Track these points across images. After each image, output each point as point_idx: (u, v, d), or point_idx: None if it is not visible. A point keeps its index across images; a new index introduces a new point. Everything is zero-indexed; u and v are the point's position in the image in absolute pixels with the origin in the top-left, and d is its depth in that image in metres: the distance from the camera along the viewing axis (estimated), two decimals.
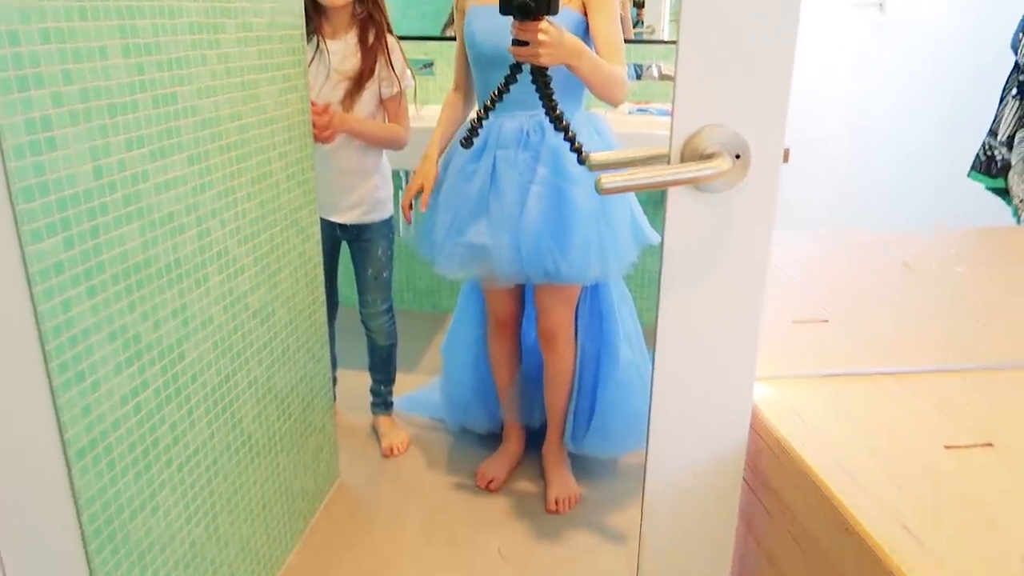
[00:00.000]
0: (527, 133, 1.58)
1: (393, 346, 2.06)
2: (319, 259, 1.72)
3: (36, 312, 0.89)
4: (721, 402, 0.76)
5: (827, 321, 1.00)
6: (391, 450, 2.01)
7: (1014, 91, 2.40)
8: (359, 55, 1.79)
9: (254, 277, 1.41)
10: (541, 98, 1.32)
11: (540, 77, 1.31)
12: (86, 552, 1.01)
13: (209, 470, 1.28)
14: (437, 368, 2.38)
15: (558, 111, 1.32)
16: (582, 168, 1.57)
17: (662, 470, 0.78)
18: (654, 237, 1.74)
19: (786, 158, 0.69)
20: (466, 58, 1.69)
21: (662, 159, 0.71)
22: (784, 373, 0.85)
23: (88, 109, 0.96)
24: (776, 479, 0.75)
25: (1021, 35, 2.32)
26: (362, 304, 2.00)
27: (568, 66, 1.43)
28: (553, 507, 1.79)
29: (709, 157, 0.66)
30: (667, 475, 0.78)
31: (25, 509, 0.91)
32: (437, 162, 1.72)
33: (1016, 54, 2.36)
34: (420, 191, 1.70)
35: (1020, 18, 2.28)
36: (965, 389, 0.83)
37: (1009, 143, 2.45)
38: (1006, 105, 2.44)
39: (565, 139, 1.34)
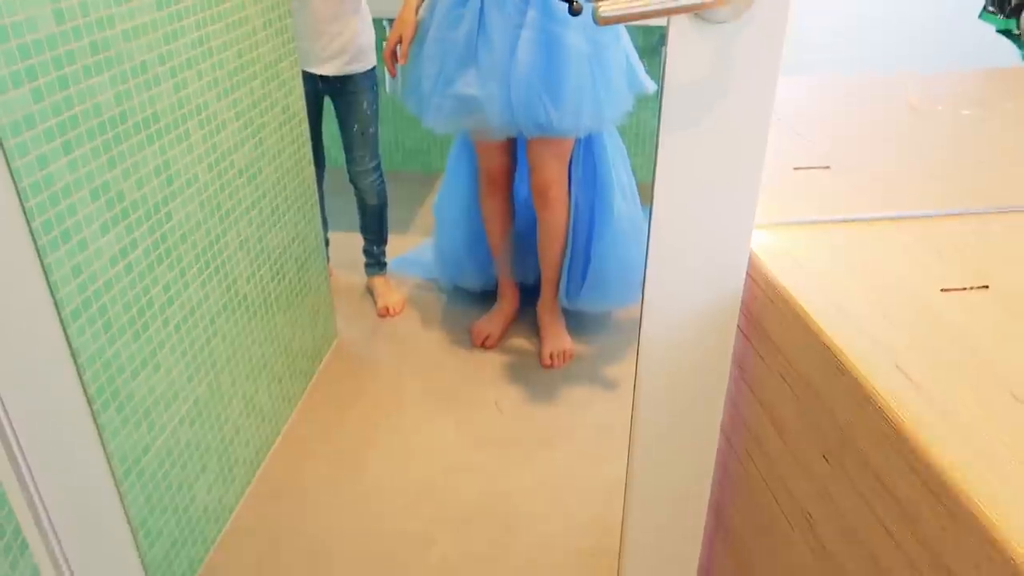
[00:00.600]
0: None
1: (383, 205, 2.04)
2: (303, 115, 1.66)
3: (11, 168, 0.85)
4: (719, 247, 0.75)
5: (828, 167, 0.98)
6: (387, 310, 2.03)
7: None
8: None
9: (237, 133, 1.36)
10: None
11: None
12: (91, 410, 1.02)
13: (207, 330, 1.28)
14: (429, 229, 2.37)
15: None
16: None
17: (658, 314, 0.78)
18: (650, 85, 1.67)
19: None
20: None
21: None
22: (783, 220, 0.83)
23: None
24: (771, 324, 0.75)
25: None
26: (349, 162, 1.95)
27: None
28: (548, 362, 1.83)
29: None
30: (663, 319, 0.78)
31: (26, 370, 0.91)
32: (417, 9, 1.62)
33: None
34: (400, 42, 1.61)
35: None
36: (964, 233, 0.81)
37: None
38: None
39: None
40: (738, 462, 0.87)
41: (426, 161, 2.86)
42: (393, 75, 1.67)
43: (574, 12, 1.30)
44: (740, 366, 0.82)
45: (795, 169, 0.97)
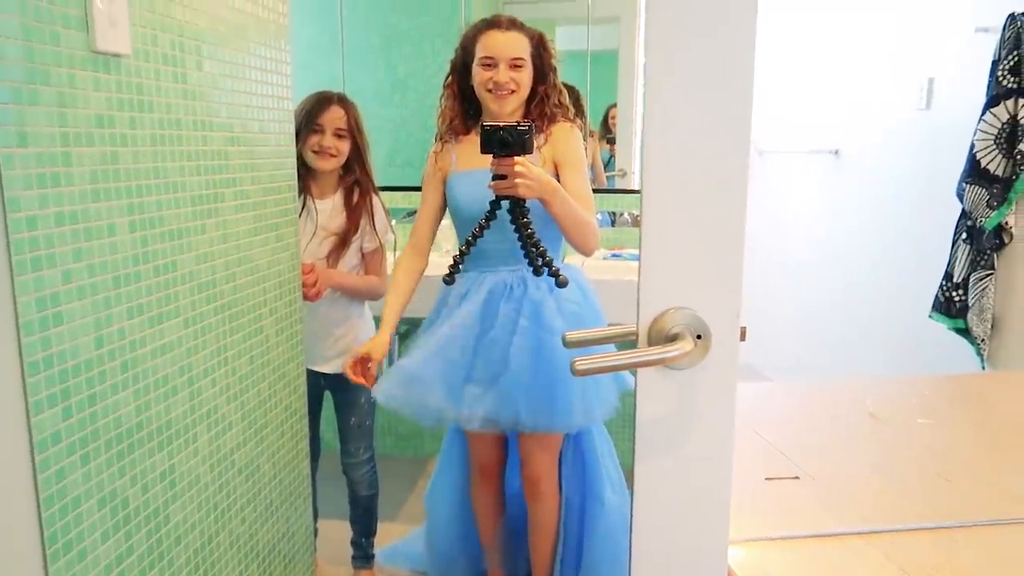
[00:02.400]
0: (510, 287, 1.66)
1: (374, 496, 2.06)
2: (305, 411, 1.75)
3: (36, 483, 0.91)
4: (698, 568, 0.79)
5: (798, 478, 1.04)
6: None
7: (964, 235, 2.55)
8: (345, 214, 1.90)
9: (241, 433, 1.44)
10: (517, 229, 1.41)
11: (518, 209, 1.41)
12: None
13: None
14: (419, 516, 2.36)
15: (535, 239, 1.41)
16: (563, 319, 1.64)
17: None
18: (632, 381, 1.79)
19: (743, 336, 0.76)
20: (433, 221, 1.80)
21: (632, 335, 0.77)
22: (758, 535, 0.88)
23: (94, 283, 1.02)
24: None
25: (964, 185, 2.49)
26: (344, 453, 2.01)
27: (544, 201, 1.52)
28: None
29: (674, 338, 0.72)
30: None
31: None
32: (391, 334, 1.76)
33: (962, 202, 2.53)
34: (369, 360, 1.72)
35: (963, 167, 2.47)
36: (930, 549, 0.86)
37: (964, 285, 2.58)
38: (958, 249, 2.58)
39: (543, 265, 1.42)
40: None
41: (417, 446, 2.91)
42: (368, 385, 1.75)
43: (561, 285, 1.46)
44: None
45: (766, 479, 1.04)
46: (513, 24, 1.64)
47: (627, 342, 0.79)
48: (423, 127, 2.88)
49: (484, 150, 1.42)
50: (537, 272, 1.43)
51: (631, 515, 0.77)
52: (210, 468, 1.33)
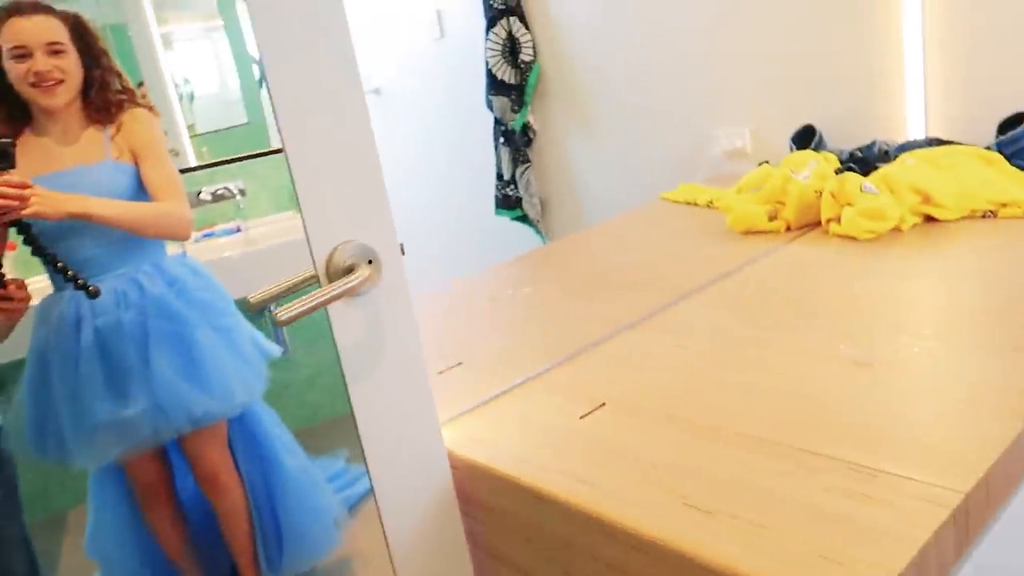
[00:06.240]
0: (124, 293, 1.56)
1: None
2: None
3: None
4: (420, 455, 0.92)
5: (461, 363, 1.23)
6: None
7: (501, 139, 3.02)
8: None
9: None
10: (34, 253, 1.37)
11: (19, 227, 1.37)
12: None
13: None
14: (78, 571, 2.13)
15: (51, 255, 1.41)
16: (193, 307, 1.60)
17: (394, 523, 0.91)
18: (275, 349, 1.83)
19: (402, 251, 0.89)
20: None
21: (310, 280, 0.85)
22: (451, 415, 1.04)
23: None
24: (482, 494, 0.94)
25: (490, 97, 2.93)
26: None
27: (88, 217, 1.45)
28: None
29: (350, 269, 0.82)
30: (399, 525, 0.92)
31: None
32: None
33: (492, 111, 2.97)
34: None
35: (485, 82, 2.89)
36: (571, 372, 1.11)
37: (514, 180, 3.07)
38: (500, 151, 3.05)
39: (67, 279, 1.41)
40: None
41: (43, 505, 2.55)
42: None
43: (93, 296, 1.45)
44: (472, 539, 0.99)
45: (439, 373, 1.20)
46: (38, 8, 1.47)
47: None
48: None
49: None
50: (77, 287, 1.40)
51: (357, 430, 0.86)
52: None
